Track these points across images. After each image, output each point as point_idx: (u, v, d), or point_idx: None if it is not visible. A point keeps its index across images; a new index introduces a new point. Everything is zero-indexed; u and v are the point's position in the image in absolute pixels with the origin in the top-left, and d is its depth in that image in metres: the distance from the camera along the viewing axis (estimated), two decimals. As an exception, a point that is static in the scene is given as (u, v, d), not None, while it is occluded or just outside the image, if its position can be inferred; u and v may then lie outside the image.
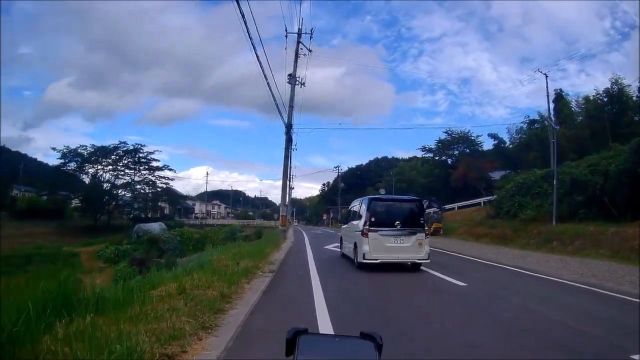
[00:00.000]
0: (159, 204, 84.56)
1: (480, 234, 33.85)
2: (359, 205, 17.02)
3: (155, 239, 35.65)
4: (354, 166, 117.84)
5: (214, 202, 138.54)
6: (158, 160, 77.48)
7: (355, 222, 16.61)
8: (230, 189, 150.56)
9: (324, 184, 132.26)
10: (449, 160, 69.21)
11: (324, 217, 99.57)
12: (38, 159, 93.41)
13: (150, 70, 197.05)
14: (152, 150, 76.33)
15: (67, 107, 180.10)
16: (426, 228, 15.45)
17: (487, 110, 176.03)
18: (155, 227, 50.78)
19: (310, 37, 29.90)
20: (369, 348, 1.23)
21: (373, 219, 14.80)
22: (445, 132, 69.68)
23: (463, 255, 22.03)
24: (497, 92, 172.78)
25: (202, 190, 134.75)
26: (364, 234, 14.63)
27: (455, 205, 52.54)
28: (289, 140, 28.97)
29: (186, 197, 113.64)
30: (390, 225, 14.78)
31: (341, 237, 19.08)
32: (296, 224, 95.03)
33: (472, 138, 68.21)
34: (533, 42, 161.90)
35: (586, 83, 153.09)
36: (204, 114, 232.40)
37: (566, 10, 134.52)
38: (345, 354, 1.24)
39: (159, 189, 78.82)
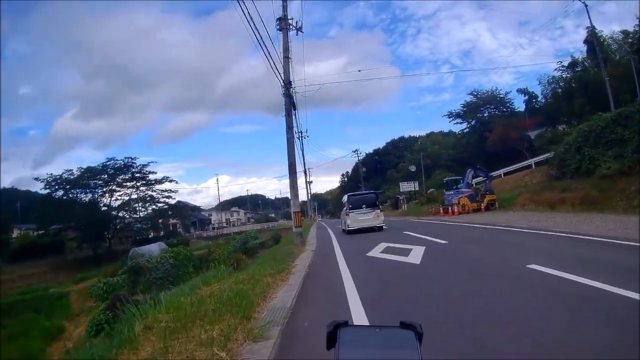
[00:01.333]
0: (170, 220, 77.41)
1: (552, 201, 26.16)
2: (344, 199, 29.01)
3: (138, 267, 28.33)
4: (371, 151, 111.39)
5: (233, 209, 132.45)
6: (154, 173, 69.93)
7: (343, 209, 28.58)
8: (248, 194, 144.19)
9: (342, 175, 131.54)
10: (477, 125, 61.24)
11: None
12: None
13: (155, 89, 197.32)
14: (145, 163, 68.91)
15: (75, 139, 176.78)
16: (380, 206, 26.34)
17: (492, 79, 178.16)
18: (154, 248, 43.49)
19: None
20: (410, 337, 1.18)
21: (350, 206, 26.02)
22: (471, 94, 61.86)
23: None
24: (501, 59, 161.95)
25: (223, 199, 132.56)
26: (346, 214, 26.34)
27: (501, 172, 44.45)
28: (290, 104, 21.36)
29: (199, 209, 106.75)
30: (360, 208, 25.61)
31: (340, 218, 32.24)
32: (320, 218, 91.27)
33: (501, 96, 60.10)
34: (527, 4, 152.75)
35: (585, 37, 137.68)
36: (215, 124, 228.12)
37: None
38: (387, 344, 1.18)
39: (161, 205, 70.96)
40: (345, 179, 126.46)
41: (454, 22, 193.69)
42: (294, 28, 21.94)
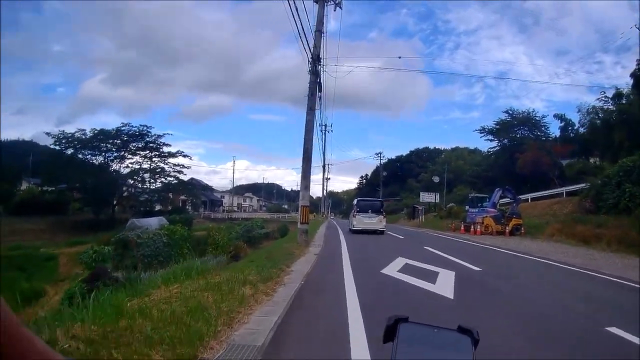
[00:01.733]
0: (180, 196, 75.01)
1: (585, 235, 23.69)
2: (354, 202, 34.43)
3: (126, 240, 26.08)
4: (393, 157, 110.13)
5: (246, 194, 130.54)
6: (169, 145, 66.93)
7: (352, 211, 32.78)
8: (264, 182, 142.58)
9: (362, 177, 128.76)
10: (509, 145, 58.46)
11: None
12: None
13: (185, 66, 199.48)
14: (161, 134, 66.16)
15: (101, 103, 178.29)
16: (384, 213, 30.83)
17: (524, 104, 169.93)
18: (154, 222, 41.25)
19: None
20: (466, 342, 1.15)
21: (358, 209, 30.37)
22: (506, 112, 59.13)
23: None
24: (534, 85, 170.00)
25: (239, 184, 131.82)
26: (353, 216, 30.46)
27: (529, 196, 41.79)
28: (315, 83, 19.18)
29: (212, 189, 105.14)
30: (366, 212, 29.81)
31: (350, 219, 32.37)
32: (332, 217, 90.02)
33: (537, 119, 57.38)
34: (568, 34, 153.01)
35: (622, 75, 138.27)
36: (240, 109, 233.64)
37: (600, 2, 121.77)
38: (443, 345, 1.16)
39: (171, 179, 68.14)
40: (364, 181, 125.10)
41: (493, 42, 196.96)
42: (332, 2, 19.76)
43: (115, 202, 63.63)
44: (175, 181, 68.29)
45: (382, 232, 28.68)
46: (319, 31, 19.32)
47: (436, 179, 62.22)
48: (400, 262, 12.87)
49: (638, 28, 35.83)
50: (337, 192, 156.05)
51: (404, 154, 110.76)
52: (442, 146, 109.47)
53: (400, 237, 26.33)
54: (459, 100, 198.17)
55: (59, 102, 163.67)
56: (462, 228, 33.94)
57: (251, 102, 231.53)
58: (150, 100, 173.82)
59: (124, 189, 65.15)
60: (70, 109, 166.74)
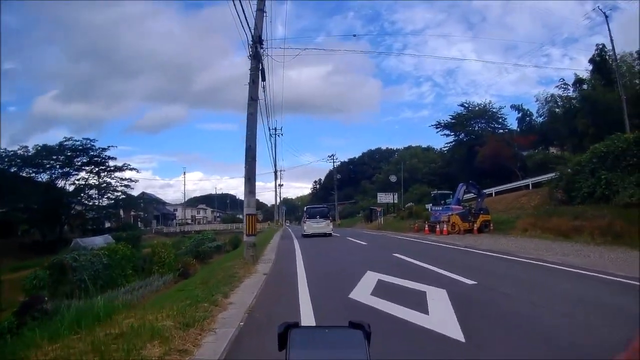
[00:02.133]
0: (131, 212, 70.81)
1: (563, 229, 21.60)
2: (305, 210, 39.17)
3: (61, 264, 22.55)
4: (346, 160, 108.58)
5: (200, 206, 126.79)
6: (114, 159, 61.84)
7: (302, 218, 37.92)
8: (216, 192, 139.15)
9: (315, 182, 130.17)
10: (466, 139, 56.59)
11: None
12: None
13: (137, 78, 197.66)
14: (105, 147, 60.83)
15: (53, 120, 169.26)
16: (330, 218, 34.26)
17: (473, 100, 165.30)
18: (99, 241, 37.78)
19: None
20: (359, 336, 1.20)
21: (307, 215, 33.80)
22: (462, 105, 57.25)
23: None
24: (483, 81, 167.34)
25: (194, 195, 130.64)
26: (304, 222, 34.04)
27: (493, 190, 39.76)
28: (257, 69, 15.94)
29: (164, 203, 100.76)
30: (315, 217, 32.88)
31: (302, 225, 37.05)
32: (288, 224, 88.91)
33: (494, 110, 55.57)
34: (516, 30, 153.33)
35: (571, 66, 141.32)
36: (194, 119, 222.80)
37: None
38: (336, 343, 1.21)
39: (118, 194, 63.20)
40: (318, 186, 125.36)
41: (440, 40, 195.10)
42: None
43: (63, 222, 58.18)
44: (124, 196, 63.53)
45: (330, 235, 31.55)
46: (261, 10, 16.21)
47: (393, 178, 59.89)
48: (371, 278, 9.84)
49: (603, 12, 34.91)
50: (292, 198, 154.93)
51: (357, 156, 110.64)
52: (394, 146, 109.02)
53: (363, 243, 23.48)
54: (409, 100, 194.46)
55: (11, 121, 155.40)
56: (427, 228, 31.29)
57: (203, 111, 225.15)
58: (102, 114, 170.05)
59: (73, 207, 59.74)
60: (23, 127, 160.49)
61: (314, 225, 32.01)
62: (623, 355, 1.19)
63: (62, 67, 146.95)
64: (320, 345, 1.18)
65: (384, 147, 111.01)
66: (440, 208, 31.74)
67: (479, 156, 45.76)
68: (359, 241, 24.75)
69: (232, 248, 34.72)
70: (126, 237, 41.47)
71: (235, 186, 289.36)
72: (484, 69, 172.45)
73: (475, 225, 27.74)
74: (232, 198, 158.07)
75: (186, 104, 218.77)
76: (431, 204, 36.20)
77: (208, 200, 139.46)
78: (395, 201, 54.45)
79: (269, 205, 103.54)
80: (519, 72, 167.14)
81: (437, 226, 29.42)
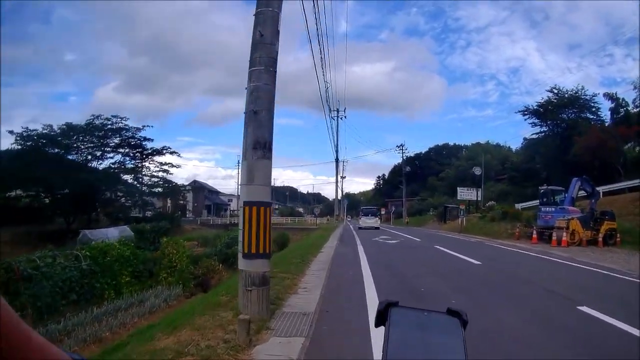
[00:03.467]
0: (178, 200, 65.89)
1: None
2: (360, 209, 60.58)
3: (9, 271, 15.08)
4: (412, 154, 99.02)
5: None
6: (151, 140, 55.60)
7: (359, 215, 54.72)
8: (273, 183, 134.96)
9: (379, 177, 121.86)
10: (557, 130, 48.46)
11: (382, 212, 78.55)
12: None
13: (198, 71, 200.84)
14: (139, 127, 54.55)
15: (116, 111, 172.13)
16: (378, 215, 49.89)
17: (537, 100, 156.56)
18: (113, 233, 31.04)
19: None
20: (455, 324, 1.12)
21: (362, 213, 49.10)
22: (551, 91, 48.64)
23: None
24: (547, 80, 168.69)
25: None
26: (360, 218, 50.40)
27: (601, 189, 31.65)
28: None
29: (218, 192, 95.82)
30: (367, 215, 45.55)
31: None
32: (349, 219, 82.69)
33: (586, 98, 47.10)
34: (579, 28, 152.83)
35: (633, 68, 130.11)
36: None
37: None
38: (433, 327, 1.12)
39: (156, 180, 57.35)
40: (382, 181, 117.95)
41: (504, 38, 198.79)
42: None
43: (94, 208, 52.26)
44: (162, 182, 58.11)
45: (377, 228, 41.08)
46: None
47: (477, 171, 51.44)
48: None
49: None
50: (354, 193, 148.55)
51: (423, 152, 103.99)
52: (462, 142, 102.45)
53: (473, 261, 14.61)
54: (473, 98, 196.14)
55: (72, 110, 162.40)
56: (534, 236, 23.98)
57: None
58: (164, 106, 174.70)
59: (103, 192, 53.36)
60: (84, 117, 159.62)
61: (367, 221, 43.62)
62: None
63: (124, 59, 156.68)
64: (419, 326, 1.09)
65: (451, 143, 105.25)
66: (553, 209, 24.77)
67: (575, 148, 37.91)
68: (462, 256, 16.48)
69: (276, 248, 26.81)
70: (151, 229, 36.03)
71: (298, 180, 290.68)
72: (547, 68, 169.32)
73: (599, 234, 21.45)
74: (294, 191, 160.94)
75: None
76: (540, 203, 27.68)
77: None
78: (479, 198, 47.13)
79: (330, 199, 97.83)
80: (583, 72, 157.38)
81: (554, 234, 22.26)
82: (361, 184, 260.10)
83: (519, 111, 51.52)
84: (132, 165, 56.02)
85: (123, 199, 55.77)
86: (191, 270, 20.41)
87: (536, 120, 49.18)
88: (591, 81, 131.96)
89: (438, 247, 20.63)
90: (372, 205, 72.94)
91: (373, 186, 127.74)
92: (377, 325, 1.10)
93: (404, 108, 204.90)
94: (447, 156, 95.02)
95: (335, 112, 46.73)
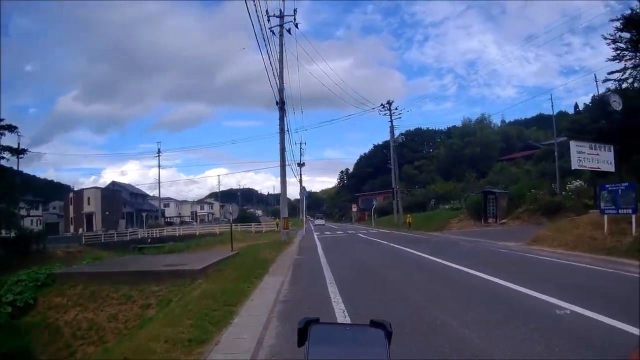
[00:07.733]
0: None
1: None
2: (315, 215, 78.04)
3: None
4: (380, 143, 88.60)
5: (206, 200, 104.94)
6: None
7: (313, 218, 72.84)
8: (219, 188, 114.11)
9: (342, 172, 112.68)
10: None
11: (354, 210, 68.26)
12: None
13: (158, 76, 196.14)
14: None
15: (75, 120, 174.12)
16: (324, 218, 72.61)
17: (495, 92, 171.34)
18: None
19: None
20: (379, 335, 1.14)
21: (315, 217, 71.97)
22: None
23: None
24: (504, 71, 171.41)
25: (217, 191, 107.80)
26: (314, 220, 67.44)
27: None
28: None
29: (145, 196, 74.29)
30: (318, 218, 68.82)
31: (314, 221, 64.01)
32: (311, 219, 70.18)
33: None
34: (535, 19, 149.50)
35: (591, 57, 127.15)
36: (216, 116, 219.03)
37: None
38: (357, 341, 1.16)
39: None
40: (345, 176, 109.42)
41: (460, 31, 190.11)
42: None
43: None
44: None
45: (323, 225, 57.45)
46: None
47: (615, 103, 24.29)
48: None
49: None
50: (316, 191, 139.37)
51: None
52: (441, 127, 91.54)
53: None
54: (432, 93, 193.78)
55: (32, 122, 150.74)
56: None
57: (225, 108, 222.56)
58: (124, 114, 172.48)
59: None
60: (45, 127, 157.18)
61: (317, 222, 61.49)
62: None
63: (83, 67, 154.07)
64: (341, 342, 1.09)
65: (424, 128, 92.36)
66: None
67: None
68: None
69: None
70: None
71: (260, 181, 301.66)
72: (504, 59, 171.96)
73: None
74: (255, 193, 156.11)
75: (208, 101, 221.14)
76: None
77: (230, 195, 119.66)
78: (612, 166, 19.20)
79: (292, 199, 79.53)
80: (540, 62, 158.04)
81: None
82: (323, 182, 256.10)
83: (613, 18, 27.14)
84: None
85: None
86: None
87: (624, 50, 27.18)
88: (549, 71, 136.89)
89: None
90: (339, 202, 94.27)
91: (336, 182, 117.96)
92: (299, 344, 1.06)
93: (363, 104, 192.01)
94: (420, 142, 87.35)
95: (279, 17, 25.15)
